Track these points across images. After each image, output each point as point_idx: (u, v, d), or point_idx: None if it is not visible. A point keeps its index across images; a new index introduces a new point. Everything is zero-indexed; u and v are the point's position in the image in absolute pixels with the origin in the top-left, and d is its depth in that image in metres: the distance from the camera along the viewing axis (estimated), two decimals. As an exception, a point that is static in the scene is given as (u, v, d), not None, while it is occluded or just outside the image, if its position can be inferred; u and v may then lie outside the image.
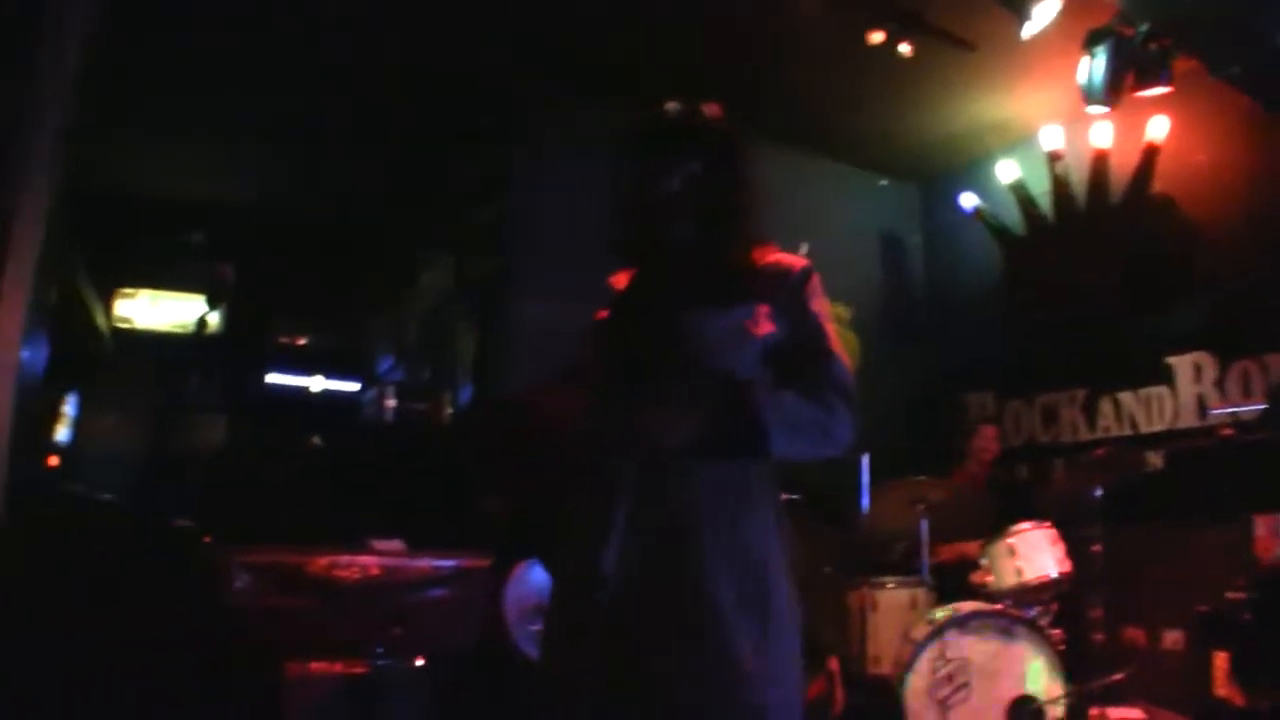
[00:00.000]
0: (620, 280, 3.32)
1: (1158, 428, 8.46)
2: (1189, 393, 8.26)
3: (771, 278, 3.07)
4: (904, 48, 7.36)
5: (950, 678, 6.20)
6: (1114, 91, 6.41)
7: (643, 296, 3.20)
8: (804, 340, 3.04)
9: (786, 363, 3.01)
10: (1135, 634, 8.21)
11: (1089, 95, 6.54)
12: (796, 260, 3.13)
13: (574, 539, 3.08)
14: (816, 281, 3.12)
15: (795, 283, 3.07)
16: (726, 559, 2.84)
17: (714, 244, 3.10)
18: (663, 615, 2.81)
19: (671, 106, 3.19)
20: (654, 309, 3.09)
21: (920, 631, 6.38)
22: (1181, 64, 6.67)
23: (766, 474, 3.03)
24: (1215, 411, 7.80)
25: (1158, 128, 8.28)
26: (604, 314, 3.29)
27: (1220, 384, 8.02)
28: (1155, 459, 8.12)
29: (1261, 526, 6.34)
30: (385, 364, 12.90)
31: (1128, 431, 8.68)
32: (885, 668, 6.84)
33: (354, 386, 13.70)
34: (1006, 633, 6.30)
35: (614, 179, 3.19)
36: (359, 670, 5.46)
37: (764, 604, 2.86)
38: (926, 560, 7.15)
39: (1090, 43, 6.44)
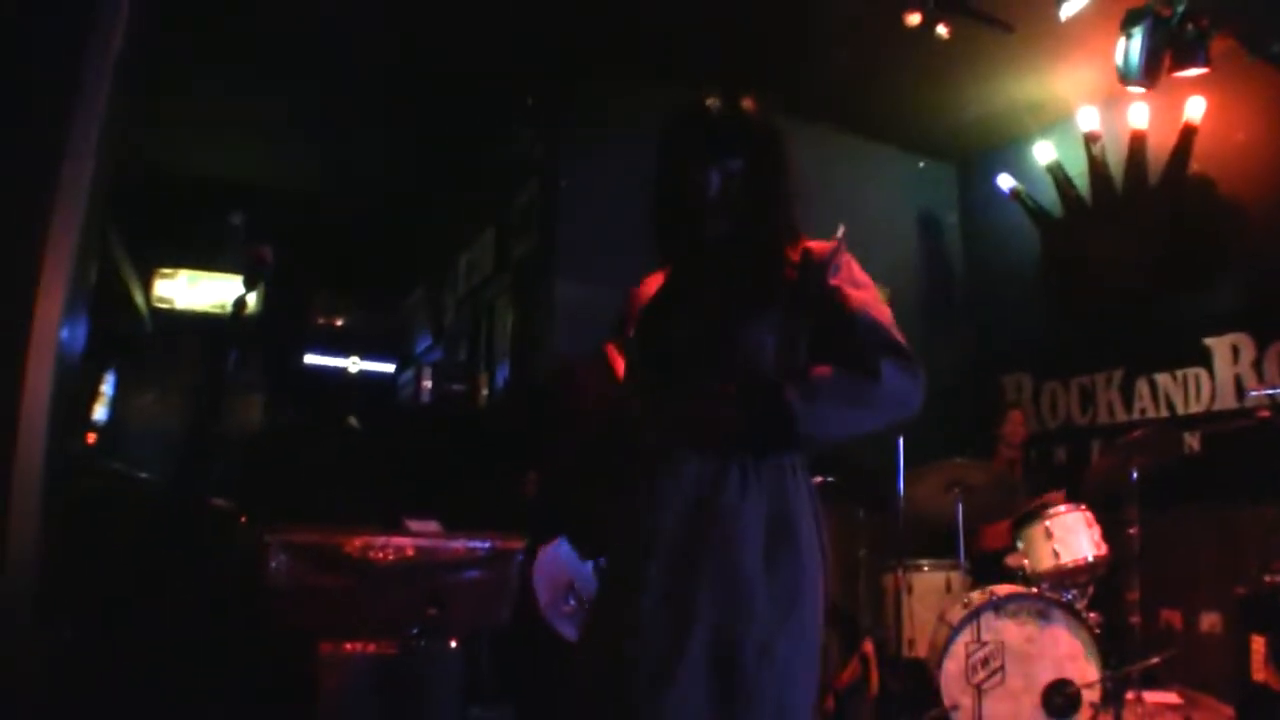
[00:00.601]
0: (649, 284, 3.33)
1: (1195, 409, 8.42)
2: (1227, 374, 8.21)
3: (804, 269, 3.06)
4: (941, 29, 7.32)
5: (986, 661, 6.19)
6: (1151, 72, 6.37)
7: (678, 295, 3.20)
8: (837, 320, 3.01)
9: (824, 346, 3.00)
10: (1172, 617, 8.19)
11: (1126, 76, 6.50)
12: (826, 246, 3.11)
13: (610, 536, 3.13)
14: (846, 259, 3.10)
15: (823, 267, 3.04)
16: (758, 543, 2.86)
17: (751, 241, 3.10)
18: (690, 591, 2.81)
19: (713, 102, 3.15)
20: (689, 308, 3.11)
21: (956, 614, 6.38)
22: (1218, 44, 6.63)
23: (801, 460, 3.04)
24: (1253, 393, 7.75)
25: (1195, 108, 8.23)
26: (631, 312, 3.31)
27: (1258, 365, 7.96)
28: (1192, 441, 8.09)
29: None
30: (422, 344, 12.92)
31: (1165, 413, 8.64)
32: (921, 651, 6.84)
33: (390, 367, 13.77)
34: (1043, 616, 6.29)
35: (656, 176, 3.19)
36: (393, 651, 5.49)
37: (795, 583, 2.87)
38: (962, 543, 7.13)
39: (1128, 23, 6.39)
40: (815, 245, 3.12)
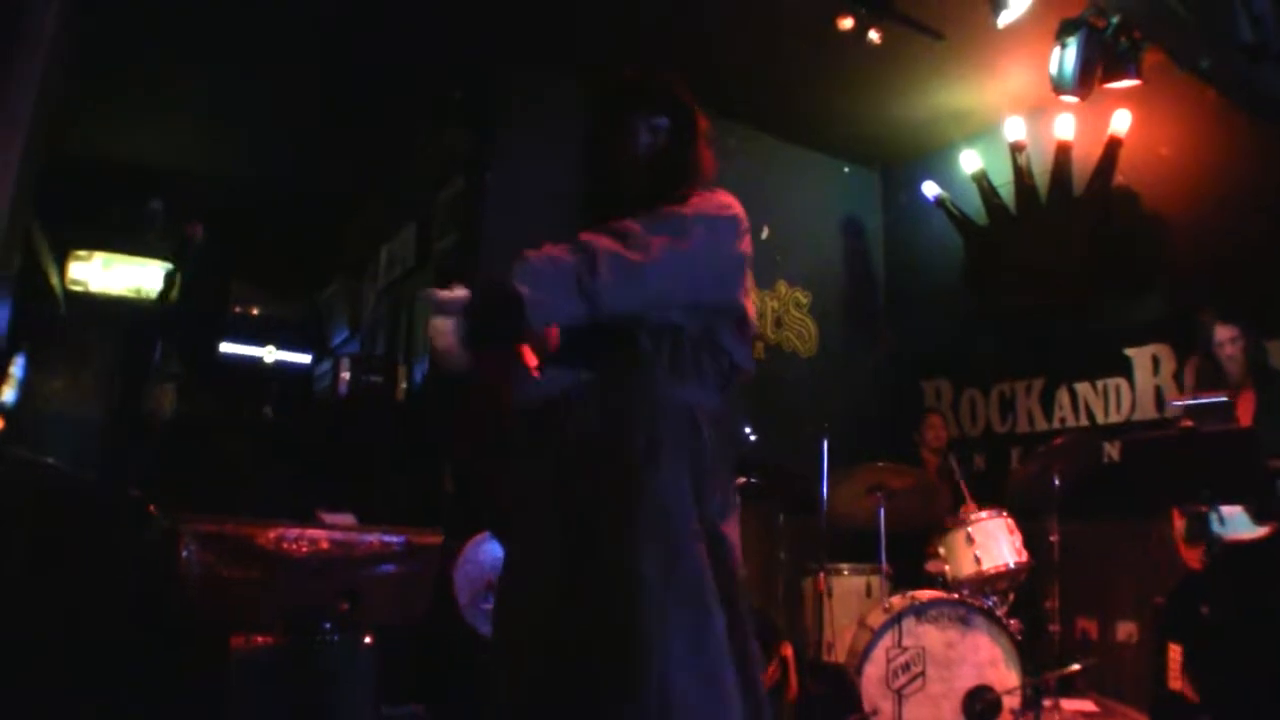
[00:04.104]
0: None
1: (1114, 419, 8.50)
2: (1147, 385, 8.31)
3: None
4: (873, 35, 7.34)
5: (906, 666, 6.21)
6: (1085, 82, 6.40)
7: None
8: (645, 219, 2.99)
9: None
10: (1089, 625, 8.25)
11: (1059, 85, 6.53)
12: (713, 195, 3.17)
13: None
14: (733, 213, 3.13)
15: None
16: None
17: (668, 196, 3.12)
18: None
19: (642, 68, 3.33)
20: None
21: (877, 619, 6.40)
22: (1148, 57, 6.68)
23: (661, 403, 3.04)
24: (1174, 403, 7.82)
25: (1120, 121, 8.28)
26: None
27: (1178, 377, 8.04)
28: (1112, 450, 8.15)
29: (1178, 522, 6.41)
30: (340, 336, 12.80)
31: (1084, 422, 8.72)
32: (840, 655, 6.85)
33: (307, 358, 13.63)
34: (964, 622, 6.32)
35: (590, 132, 3.29)
36: (305, 645, 5.43)
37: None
38: (884, 547, 7.13)
39: (1063, 33, 6.42)
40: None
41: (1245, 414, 6.29)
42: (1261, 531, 5.96)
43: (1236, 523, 6.06)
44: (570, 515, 2.91)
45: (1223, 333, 6.39)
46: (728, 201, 3.15)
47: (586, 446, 2.97)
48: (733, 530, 3.07)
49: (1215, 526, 6.07)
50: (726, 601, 2.88)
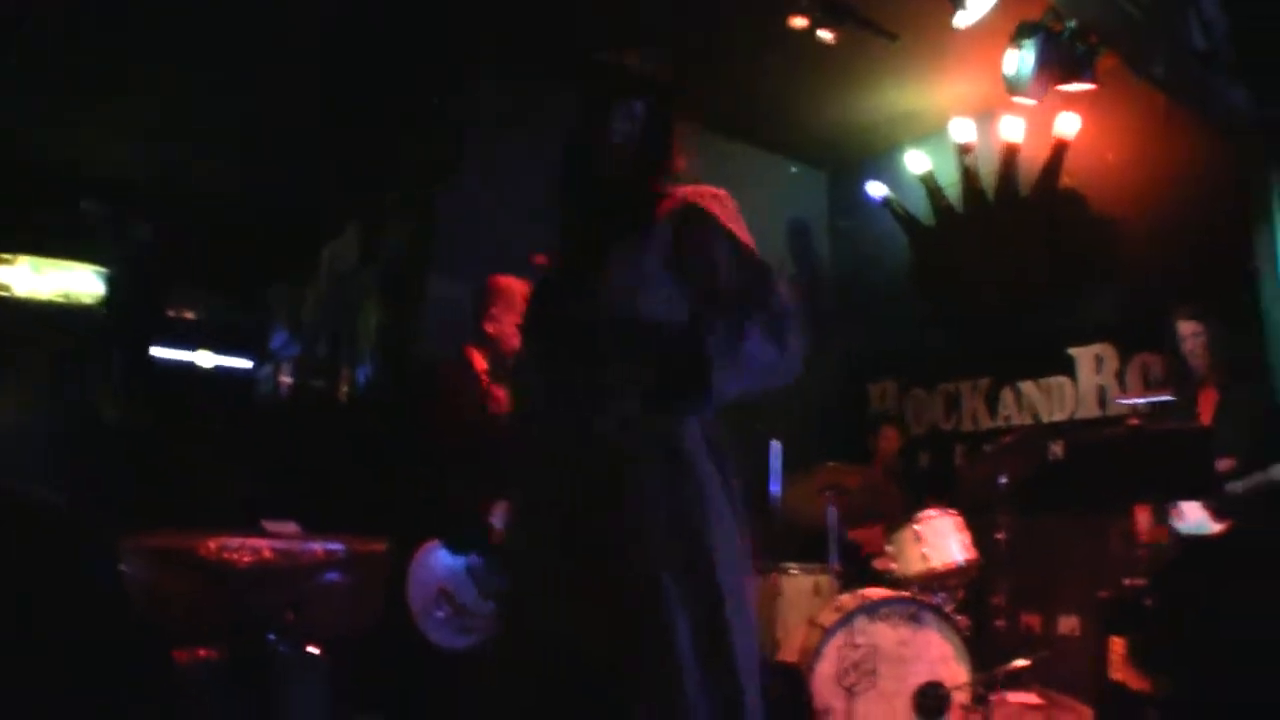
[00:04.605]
0: (510, 282, 3.41)
1: (1058, 418, 8.61)
2: (1090, 383, 8.42)
3: (670, 204, 3.19)
4: (825, 34, 7.34)
5: (858, 664, 6.23)
6: (1041, 84, 6.46)
7: (571, 252, 3.29)
8: (742, 269, 3.13)
9: (727, 296, 3.09)
10: (1031, 620, 8.33)
11: (1014, 86, 6.58)
12: (698, 188, 3.25)
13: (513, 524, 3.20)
14: (728, 207, 3.23)
15: (703, 211, 3.17)
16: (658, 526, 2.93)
17: (642, 181, 3.24)
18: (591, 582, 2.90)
19: (614, 54, 3.37)
20: (581, 263, 3.18)
21: (829, 618, 6.41)
22: (1100, 63, 6.75)
23: (701, 430, 3.11)
24: (1118, 401, 7.93)
25: (1067, 124, 8.37)
26: (490, 304, 3.42)
27: (1121, 376, 8.17)
28: (1056, 448, 8.23)
29: (1142, 516, 6.47)
30: (279, 339, 12.68)
31: (1028, 420, 8.83)
32: (790, 655, 6.87)
33: (247, 362, 13.50)
34: (915, 619, 6.34)
35: (570, 118, 3.32)
36: (251, 656, 5.40)
37: (708, 580, 2.94)
38: (835, 547, 7.17)
39: (1020, 35, 6.47)
40: (685, 190, 3.25)
41: (1207, 411, 6.35)
42: (1217, 529, 6.03)
43: (1195, 519, 6.13)
44: (615, 529, 2.93)
45: (1185, 328, 6.44)
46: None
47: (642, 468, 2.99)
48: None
49: (1173, 521, 6.16)
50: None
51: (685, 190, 3.24)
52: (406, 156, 9.08)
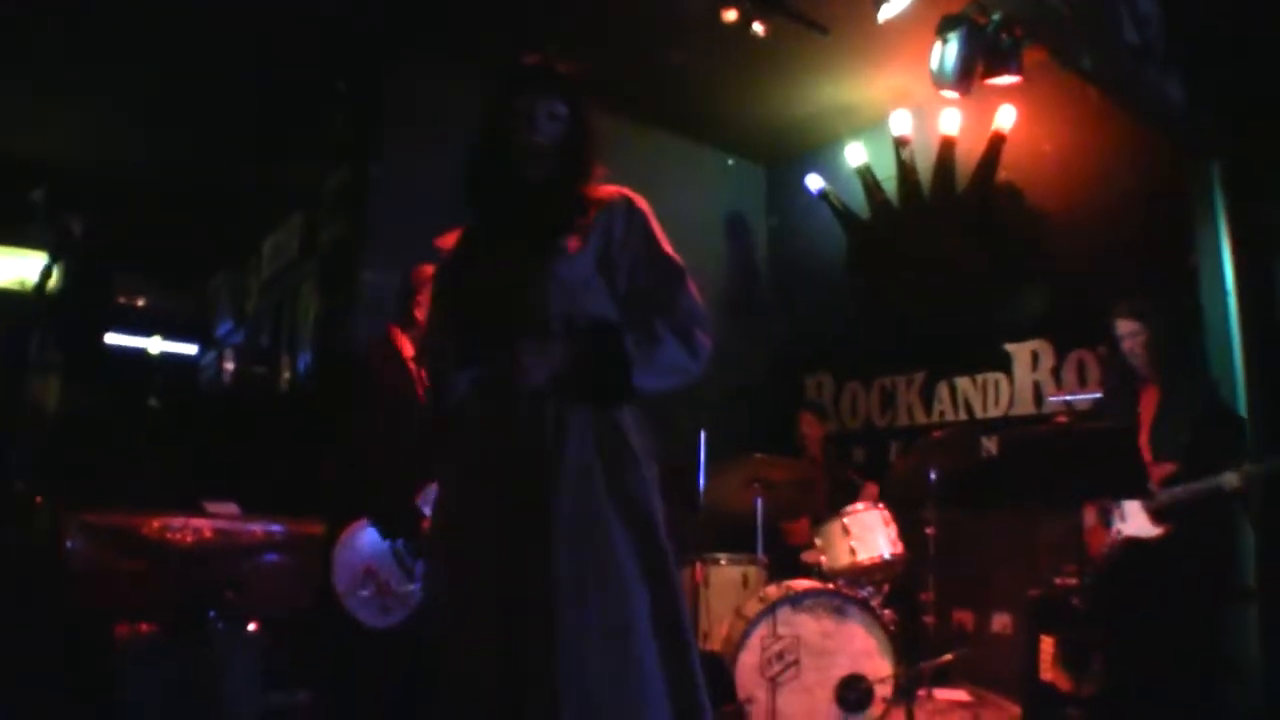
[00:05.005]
0: (449, 239, 3.41)
1: (994, 414, 8.63)
2: (1025, 380, 8.43)
3: (600, 206, 3.29)
4: (758, 27, 7.34)
5: (781, 655, 6.23)
6: (965, 78, 6.43)
7: (488, 246, 3.33)
8: (658, 271, 3.30)
9: (644, 297, 3.26)
10: (964, 617, 8.34)
11: (939, 80, 6.55)
12: (621, 190, 3.39)
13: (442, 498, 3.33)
14: (648, 209, 3.38)
15: (634, 212, 3.33)
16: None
17: (569, 183, 3.28)
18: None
19: (541, 54, 3.38)
20: (503, 256, 3.24)
21: (752, 608, 6.43)
22: (1031, 55, 6.73)
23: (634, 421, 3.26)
24: (1052, 399, 7.94)
25: (1005, 117, 8.37)
26: (417, 290, 3.47)
27: (1057, 372, 8.18)
28: (990, 445, 8.24)
29: (1089, 515, 6.44)
30: (225, 327, 12.69)
31: (963, 416, 8.86)
32: (717, 644, 6.87)
33: (192, 349, 13.51)
34: (839, 612, 6.35)
35: (486, 117, 3.36)
36: (191, 634, 5.41)
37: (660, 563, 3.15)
38: (761, 538, 7.16)
39: (944, 28, 6.44)
40: (612, 188, 3.38)
41: (1148, 410, 6.34)
42: (1157, 532, 6.03)
43: (1136, 520, 6.13)
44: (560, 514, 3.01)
45: (1123, 327, 6.41)
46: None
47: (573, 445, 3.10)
48: None
49: (1115, 521, 6.16)
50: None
51: (609, 189, 3.34)
52: (338, 144, 9.04)
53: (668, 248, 3.33)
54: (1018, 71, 6.53)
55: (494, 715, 2.89)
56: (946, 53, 6.45)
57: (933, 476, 7.04)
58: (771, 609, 6.27)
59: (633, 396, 3.17)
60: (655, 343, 3.15)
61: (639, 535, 3.10)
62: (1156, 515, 6.00)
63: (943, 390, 9.05)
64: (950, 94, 6.61)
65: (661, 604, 3.07)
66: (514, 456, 3.07)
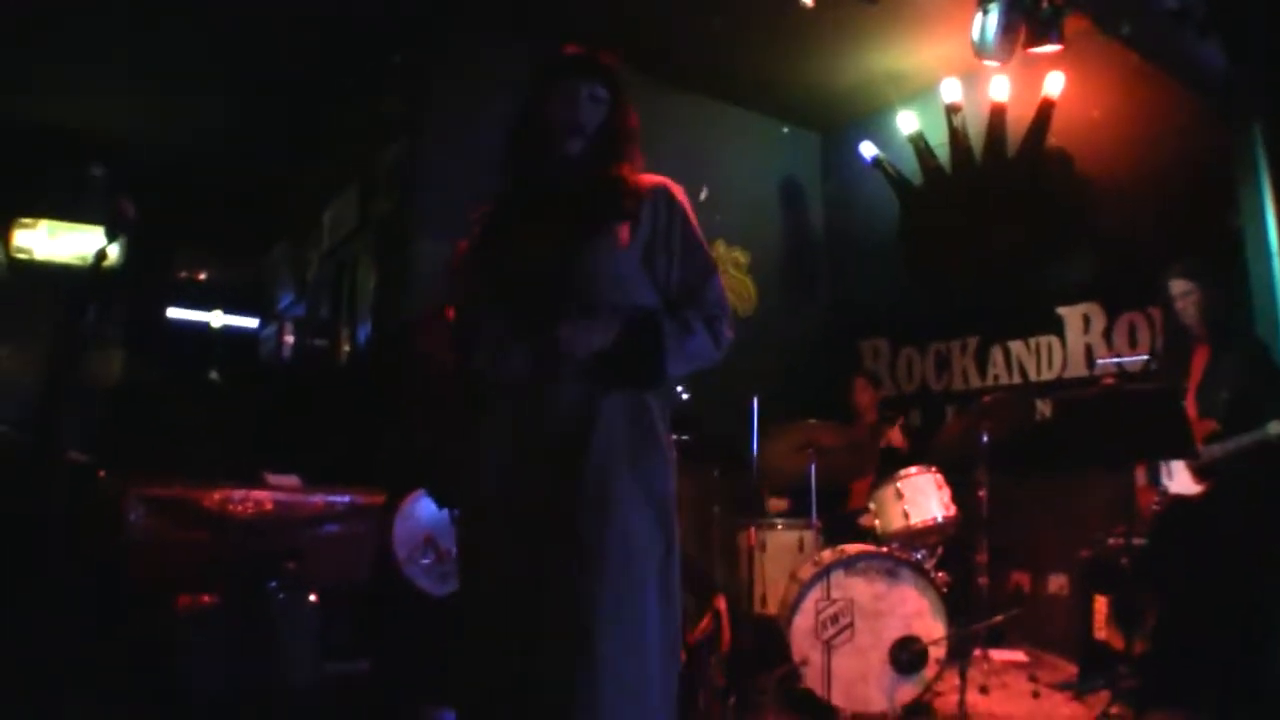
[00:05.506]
0: (479, 212, 3.50)
1: (1046, 376, 8.68)
2: (1078, 343, 8.47)
3: (646, 195, 3.34)
4: (806, -1, 7.38)
5: (835, 618, 6.29)
6: (1006, 47, 6.46)
7: (527, 216, 3.39)
8: (692, 264, 3.35)
9: (679, 286, 3.32)
10: (1021, 579, 8.40)
11: (981, 50, 6.57)
12: (662, 179, 3.42)
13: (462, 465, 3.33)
14: (686, 199, 3.42)
15: (675, 204, 3.37)
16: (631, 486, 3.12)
17: (604, 163, 3.34)
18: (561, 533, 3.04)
19: (581, 44, 3.46)
20: (538, 235, 3.30)
21: (806, 572, 6.49)
22: (1075, 22, 6.75)
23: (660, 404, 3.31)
24: (1101, 361, 7.96)
25: (1053, 84, 8.38)
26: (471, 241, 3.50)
27: (1108, 334, 8.22)
28: (1044, 407, 8.28)
29: (1140, 475, 6.49)
30: (285, 300, 12.78)
31: (1017, 380, 8.91)
32: (772, 608, 6.96)
33: (253, 322, 13.64)
34: (892, 574, 6.39)
35: (531, 98, 3.43)
36: (251, 604, 5.49)
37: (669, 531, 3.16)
38: (814, 502, 7.23)
39: (985, -1, 6.49)
40: (651, 176, 3.41)
41: (1198, 369, 6.39)
42: (1199, 489, 6.09)
43: (1180, 478, 6.20)
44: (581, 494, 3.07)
45: (1176, 287, 6.46)
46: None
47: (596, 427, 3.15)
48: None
49: (1163, 480, 6.24)
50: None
51: (650, 178, 3.39)
52: (390, 118, 9.14)
53: (701, 239, 3.41)
54: (1059, 40, 6.55)
55: (512, 683, 2.97)
56: (988, 23, 6.47)
57: (985, 439, 7.10)
58: (825, 572, 6.32)
59: (664, 382, 3.26)
60: (687, 332, 3.23)
61: (656, 519, 3.13)
62: (1198, 473, 6.06)
63: (996, 354, 9.10)
64: (992, 63, 6.65)
65: (663, 581, 3.12)
66: (544, 432, 3.14)
